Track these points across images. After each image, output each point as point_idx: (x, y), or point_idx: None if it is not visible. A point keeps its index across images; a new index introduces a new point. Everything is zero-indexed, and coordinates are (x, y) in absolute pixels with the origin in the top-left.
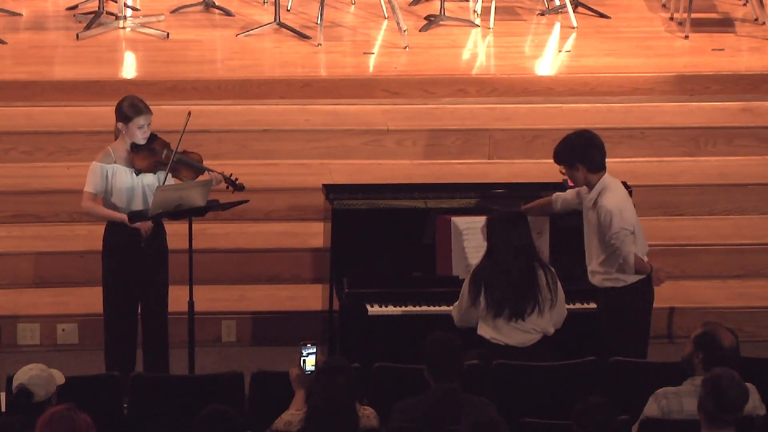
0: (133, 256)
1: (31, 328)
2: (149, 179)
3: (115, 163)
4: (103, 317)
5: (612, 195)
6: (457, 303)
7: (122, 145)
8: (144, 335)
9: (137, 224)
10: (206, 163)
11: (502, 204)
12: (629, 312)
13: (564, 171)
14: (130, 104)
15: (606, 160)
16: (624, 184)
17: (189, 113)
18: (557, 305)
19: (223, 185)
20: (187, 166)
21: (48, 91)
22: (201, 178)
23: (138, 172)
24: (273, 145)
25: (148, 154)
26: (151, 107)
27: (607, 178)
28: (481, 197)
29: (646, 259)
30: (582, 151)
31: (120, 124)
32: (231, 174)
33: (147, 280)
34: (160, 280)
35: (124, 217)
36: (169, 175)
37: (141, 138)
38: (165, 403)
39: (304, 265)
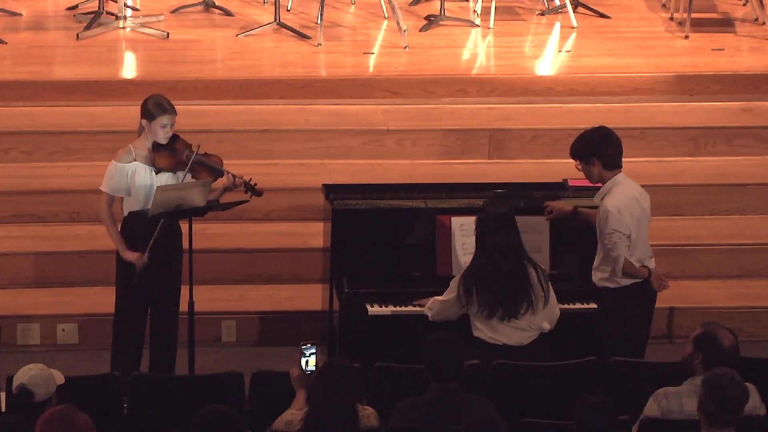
0: (138, 275)
1: (31, 328)
2: (167, 178)
3: (135, 161)
4: (114, 315)
5: (616, 196)
6: (439, 300)
7: (144, 143)
8: (152, 335)
9: (132, 259)
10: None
11: (492, 203)
12: (624, 313)
13: (580, 167)
14: (156, 103)
15: (624, 159)
16: None
17: (198, 146)
18: (550, 303)
19: (242, 189)
20: (207, 168)
21: (48, 91)
22: (220, 180)
23: (158, 171)
24: (273, 145)
25: (170, 154)
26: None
27: (620, 177)
28: (481, 197)
29: (651, 264)
30: (598, 146)
31: (144, 122)
32: (251, 179)
33: (161, 281)
34: (174, 281)
35: (125, 251)
36: (188, 175)
37: (163, 137)
38: (165, 403)
39: (304, 265)
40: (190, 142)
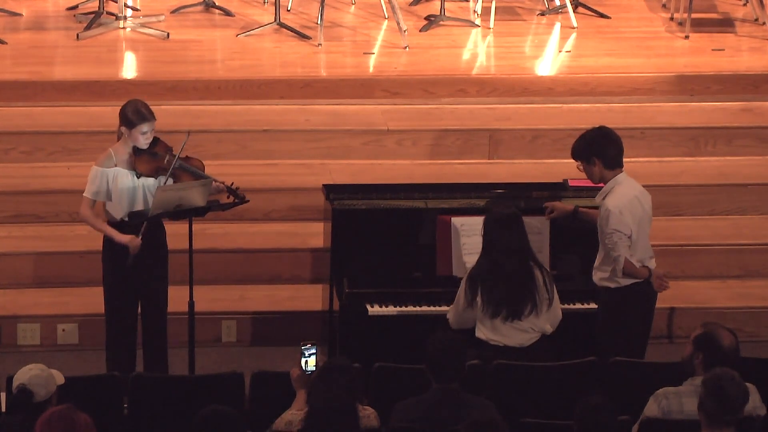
0: (133, 256)
1: (31, 328)
2: (150, 182)
3: (116, 166)
4: (104, 317)
5: (617, 195)
6: (453, 305)
7: (124, 148)
8: (144, 335)
9: (125, 241)
10: (207, 163)
11: (497, 203)
12: (624, 313)
13: (581, 167)
14: (134, 110)
15: (624, 159)
16: None
17: (188, 133)
18: (553, 305)
19: (225, 193)
20: (188, 173)
21: (48, 91)
22: None
23: (139, 176)
24: (273, 145)
25: (150, 159)
26: (151, 107)
27: (621, 177)
28: (481, 197)
29: (652, 264)
30: (598, 146)
31: (123, 128)
32: (232, 183)
33: (147, 280)
34: (160, 280)
35: (118, 235)
36: (170, 180)
37: (143, 143)
38: (165, 403)
39: (304, 265)
40: (170, 145)
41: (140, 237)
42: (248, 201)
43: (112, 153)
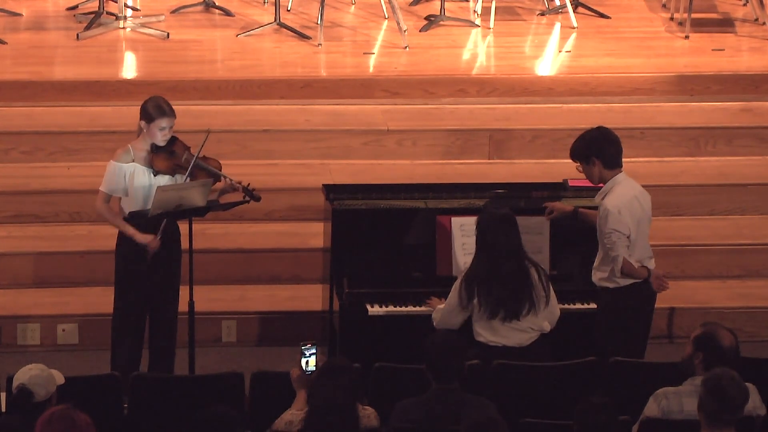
0: (152, 255)
1: (31, 328)
2: (165, 180)
3: (133, 161)
4: (112, 316)
5: (616, 195)
6: (440, 305)
7: (142, 144)
8: (151, 335)
9: (147, 242)
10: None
11: (493, 204)
12: (623, 313)
13: (580, 168)
14: (155, 105)
15: (623, 159)
16: None
17: (209, 131)
18: (551, 302)
19: (240, 193)
20: (206, 172)
21: (48, 91)
22: (218, 184)
23: (156, 173)
24: (273, 145)
25: (168, 157)
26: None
27: (620, 177)
28: (481, 197)
29: (651, 264)
30: (597, 146)
31: (142, 123)
32: (249, 184)
33: (159, 281)
34: (173, 281)
35: (138, 235)
36: (188, 179)
37: (161, 139)
38: (165, 403)
39: (304, 265)
40: (188, 145)
41: (159, 237)
42: (248, 201)
43: (131, 148)
